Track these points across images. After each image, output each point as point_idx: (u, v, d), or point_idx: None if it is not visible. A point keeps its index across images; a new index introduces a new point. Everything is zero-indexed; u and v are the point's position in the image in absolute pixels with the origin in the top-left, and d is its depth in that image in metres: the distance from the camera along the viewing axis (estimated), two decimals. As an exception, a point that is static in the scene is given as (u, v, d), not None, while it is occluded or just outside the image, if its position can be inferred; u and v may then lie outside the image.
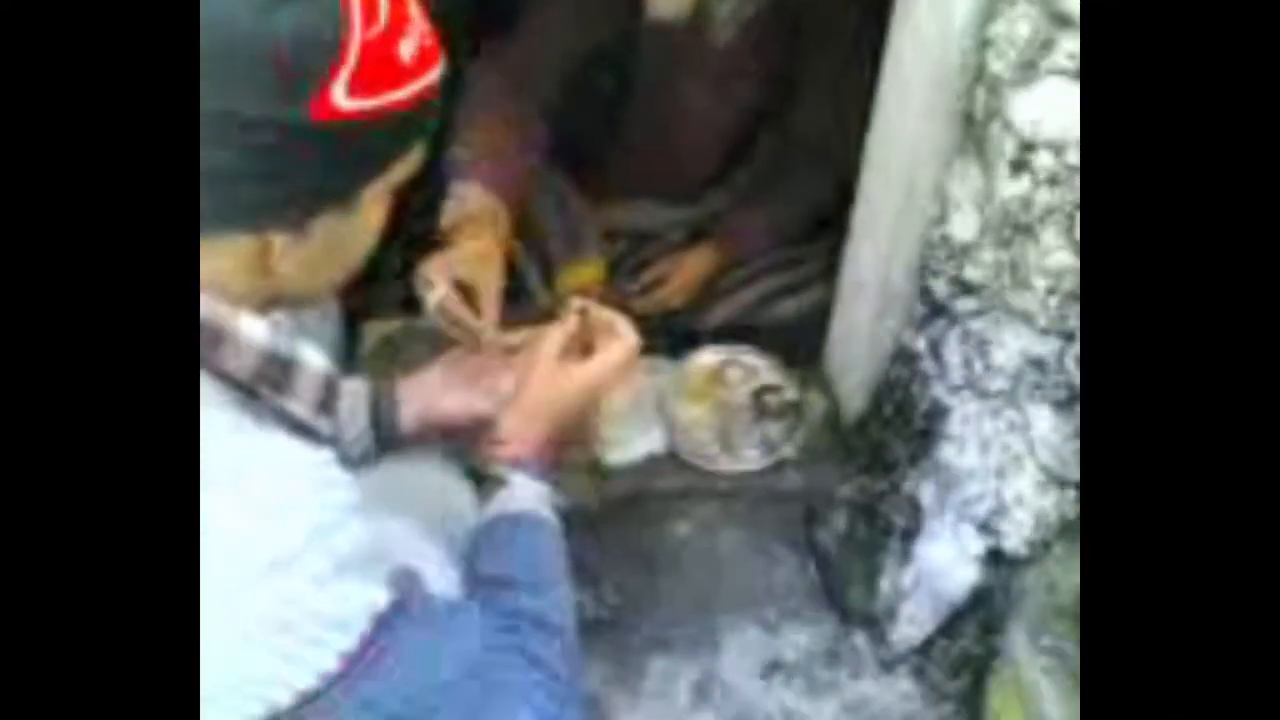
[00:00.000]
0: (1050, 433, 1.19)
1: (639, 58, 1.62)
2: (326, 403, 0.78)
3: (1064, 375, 1.17)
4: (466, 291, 1.20)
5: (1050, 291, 1.13)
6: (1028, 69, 1.07)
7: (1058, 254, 1.11)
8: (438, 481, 1.06)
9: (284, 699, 0.64)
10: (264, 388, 0.73)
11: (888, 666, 1.37)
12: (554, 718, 0.77)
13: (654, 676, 1.37)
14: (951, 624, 1.31)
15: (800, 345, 1.66)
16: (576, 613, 1.36)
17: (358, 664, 0.66)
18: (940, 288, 1.26)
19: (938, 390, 1.30)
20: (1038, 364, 1.19)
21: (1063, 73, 1.04)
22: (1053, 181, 1.08)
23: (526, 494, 0.93)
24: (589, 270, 1.75)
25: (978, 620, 1.29)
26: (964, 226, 1.19)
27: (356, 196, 0.72)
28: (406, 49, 0.68)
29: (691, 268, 1.80)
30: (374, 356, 1.60)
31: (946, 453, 1.29)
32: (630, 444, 1.51)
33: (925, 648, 1.34)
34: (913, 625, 1.33)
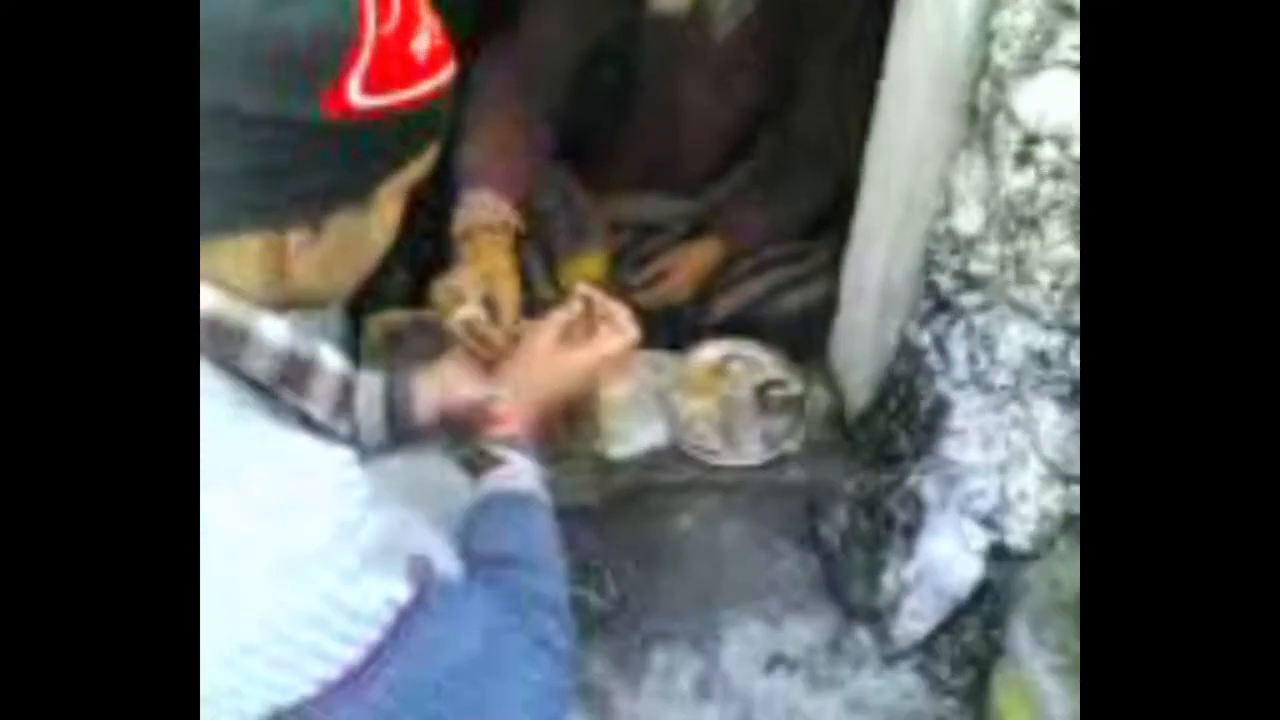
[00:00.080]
0: (1054, 428, 1.19)
1: (641, 51, 1.62)
2: (343, 403, 0.79)
3: (1068, 370, 1.17)
4: (486, 304, 1.22)
5: (1054, 285, 1.13)
6: (1032, 61, 1.06)
7: (1062, 247, 1.10)
8: (437, 470, 1.07)
9: (310, 690, 0.65)
10: (284, 389, 0.73)
11: (890, 661, 1.37)
12: (558, 696, 0.79)
13: (656, 670, 1.37)
14: (954, 619, 1.31)
15: (804, 339, 1.66)
16: (579, 606, 1.38)
17: (380, 654, 0.67)
18: (944, 282, 1.26)
19: (942, 385, 1.30)
20: (1042, 358, 1.18)
21: (1067, 64, 1.03)
22: (1057, 174, 1.07)
23: (521, 472, 0.94)
24: (592, 263, 1.75)
25: (981, 616, 1.29)
26: (968, 220, 1.19)
27: (371, 196, 0.72)
28: (419, 47, 0.68)
29: (695, 261, 1.79)
30: (377, 349, 1.60)
31: (950, 448, 1.29)
32: (633, 437, 1.51)
33: (928, 643, 1.34)
34: (915, 620, 1.33)
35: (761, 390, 1.55)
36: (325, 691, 0.65)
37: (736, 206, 1.81)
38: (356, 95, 0.64)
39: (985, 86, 1.12)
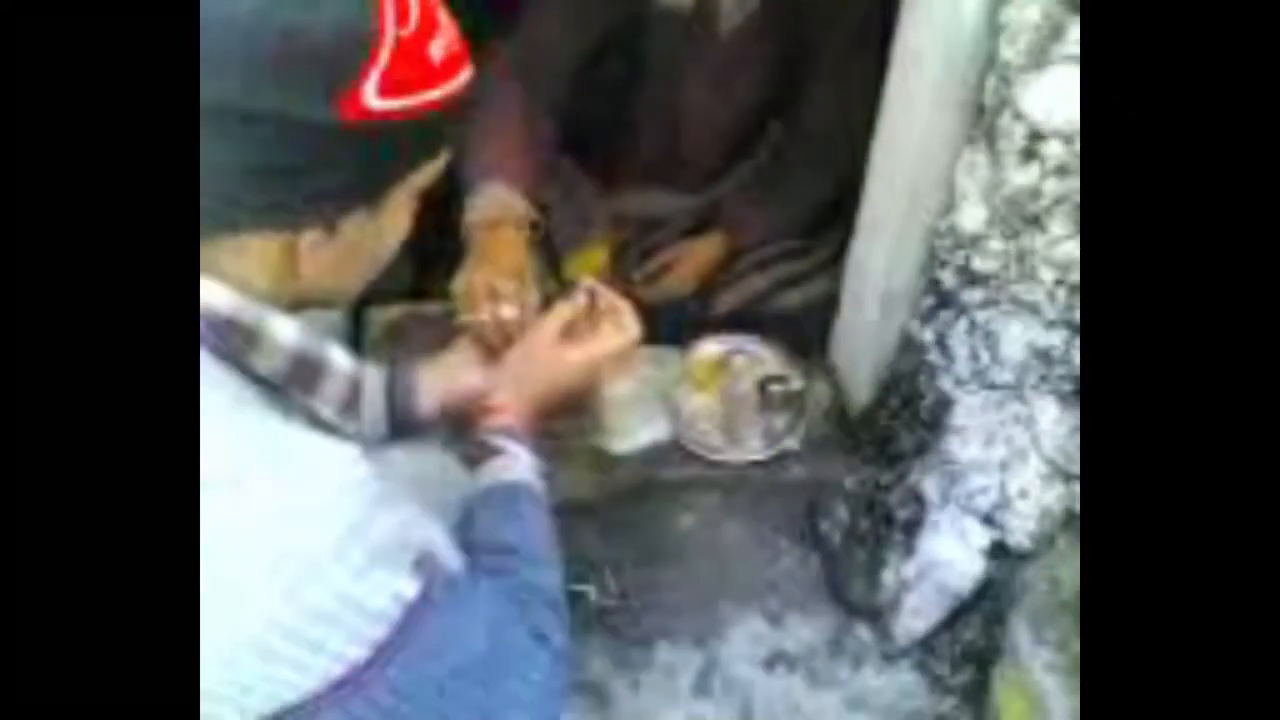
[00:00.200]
0: (1055, 426, 1.19)
1: (646, 46, 1.61)
2: (351, 403, 0.80)
3: (1070, 368, 1.16)
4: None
5: (1058, 283, 1.12)
6: (1038, 56, 1.05)
7: (1066, 244, 1.09)
8: (438, 462, 1.07)
9: (317, 686, 0.65)
10: (293, 388, 0.74)
11: (890, 659, 1.37)
12: (557, 693, 0.79)
13: (657, 667, 1.37)
14: (955, 617, 1.31)
15: (806, 335, 1.65)
16: (579, 602, 1.38)
17: (386, 651, 0.67)
18: (948, 278, 1.25)
19: (944, 382, 1.29)
20: (1044, 356, 1.18)
21: (1073, 60, 1.02)
22: (1062, 171, 1.07)
23: (520, 464, 0.95)
24: (595, 256, 1.75)
25: (981, 614, 1.29)
26: (972, 217, 1.18)
27: (384, 197, 0.73)
28: (437, 51, 0.69)
29: (698, 256, 1.79)
30: (379, 342, 1.60)
31: (951, 445, 1.28)
32: (634, 433, 1.51)
33: (928, 641, 1.34)
34: (916, 618, 1.33)
35: (763, 386, 1.55)
36: (332, 688, 0.65)
37: (740, 202, 1.81)
38: (373, 97, 0.65)
39: (991, 82, 1.11)
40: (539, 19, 1.59)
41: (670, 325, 1.66)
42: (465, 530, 0.89)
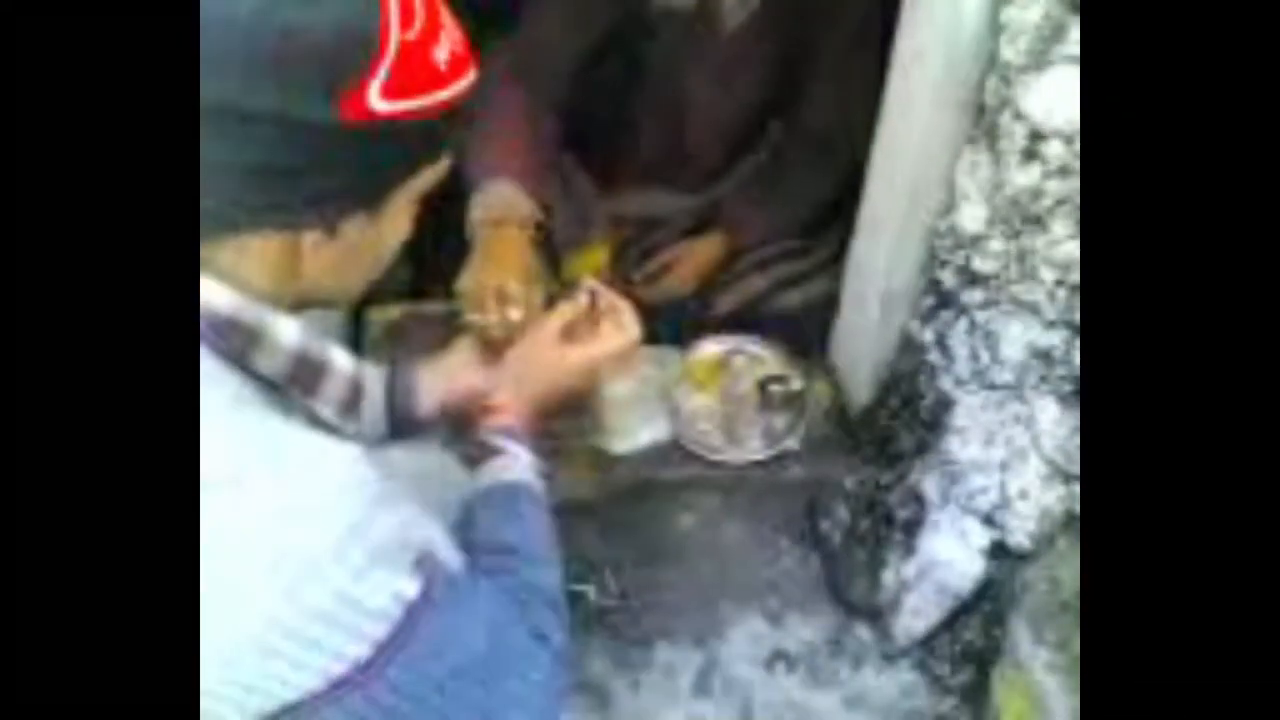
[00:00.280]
0: (1055, 426, 1.19)
1: (648, 44, 1.61)
2: (352, 403, 0.79)
3: (1070, 368, 1.16)
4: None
5: (1058, 283, 1.12)
6: (1039, 56, 1.05)
7: (1066, 245, 1.09)
8: (437, 461, 1.07)
9: (317, 685, 0.65)
10: (294, 388, 0.74)
11: (890, 659, 1.37)
12: (555, 692, 0.79)
13: (657, 666, 1.37)
14: (955, 617, 1.31)
15: (806, 335, 1.65)
16: (580, 602, 1.38)
17: (387, 650, 0.67)
18: (948, 279, 1.25)
19: (944, 382, 1.29)
20: (1044, 356, 1.18)
21: (1074, 60, 1.02)
22: (1063, 171, 1.07)
23: (520, 464, 0.95)
24: (595, 256, 1.74)
25: (981, 614, 1.29)
26: (973, 217, 1.18)
27: (385, 200, 0.73)
28: (441, 55, 0.69)
29: (698, 256, 1.79)
30: (379, 342, 1.60)
31: (951, 445, 1.29)
32: (635, 433, 1.51)
33: (928, 641, 1.34)
34: (916, 618, 1.33)
35: (763, 386, 1.55)
36: (332, 687, 0.65)
37: (740, 202, 1.80)
38: (376, 100, 0.65)
39: (992, 82, 1.11)
40: (539, 18, 1.58)
41: (670, 325, 1.66)
42: (465, 530, 0.89)
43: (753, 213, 1.78)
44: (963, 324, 1.25)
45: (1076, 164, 1.05)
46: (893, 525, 1.36)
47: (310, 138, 0.64)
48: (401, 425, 1.05)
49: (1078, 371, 1.16)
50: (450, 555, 0.78)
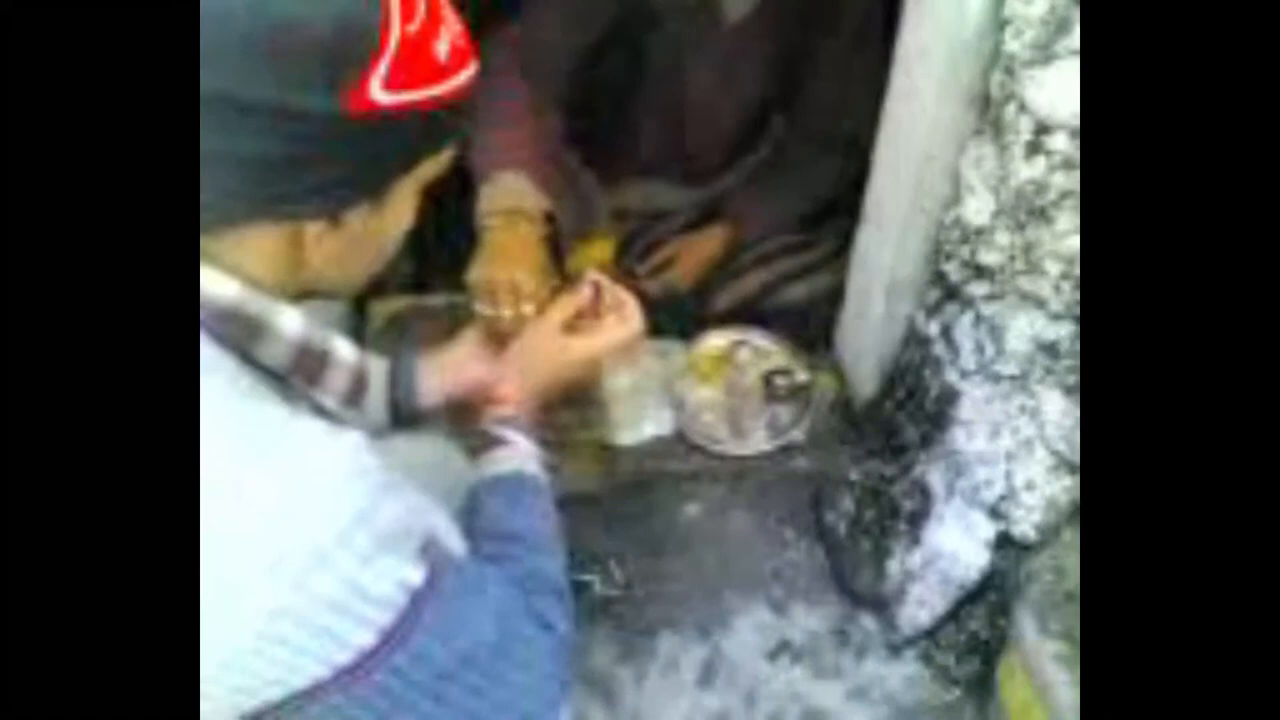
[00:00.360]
0: (1061, 418, 1.19)
1: (650, 38, 1.61)
2: (355, 393, 0.80)
3: (1075, 360, 1.16)
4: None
5: (1064, 276, 1.12)
6: (1044, 49, 1.05)
7: (1072, 238, 1.09)
8: (440, 450, 1.07)
9: (322, 673, 0.65)
10: (298, 378, 0.74)
11: (895, 650, 1.37)
12: (559, 680, 0.79)
13: (661, 657, 1.37)
14: (960, 608, 1.31)
15: (810, 328, 1.65)
16: (584, 593, 1.38)
17: (392, 638, 0.67)
18: (953, 271, 1.25)
19: (949, 374, 1.29)
20: (1050, 349, 1.18)
21: (1079, 53, 1.02)
22: (1068, 164, 1.07)
23: (523, 454, 0.95)
24: (598, 249, 1.74)
25: (987, 605, 1.29)
26: (978, 210, 1.18)
27: (388, 191, 0.73)
28: (442, 47, 0.69)
29: (701, 249, 1.79)
30: (382, 335, 1.61)
31: (957, 437, 1.29)
32: (639, 425, 1.51)
33: (933, 632, 1.34)
34: (921, 609, 1.33)
35: (768, 379, 1.55)
36: (339, 675, 0.66)
37: (744, 196, 1.80)
38: (378, 92, 0.65)
39: (997, 75, 1.11)
40: (541, 11, 1.58)
41: (674, 318, 1.66)
42: (469, 519, 0.89)
43: (756, 206, 1.78)
44: (968, 317, 1.25)
45: (1082, 157, 1.05)
46: (898, 517, 1.36)
47: (313, 128, 0.64)
48: (404, 416, 1.05)
49: (1084, 363, 1.16)
50: (455, 543, 0.79)
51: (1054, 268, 1.12)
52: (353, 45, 0.64)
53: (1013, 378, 1.22)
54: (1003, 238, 1.16)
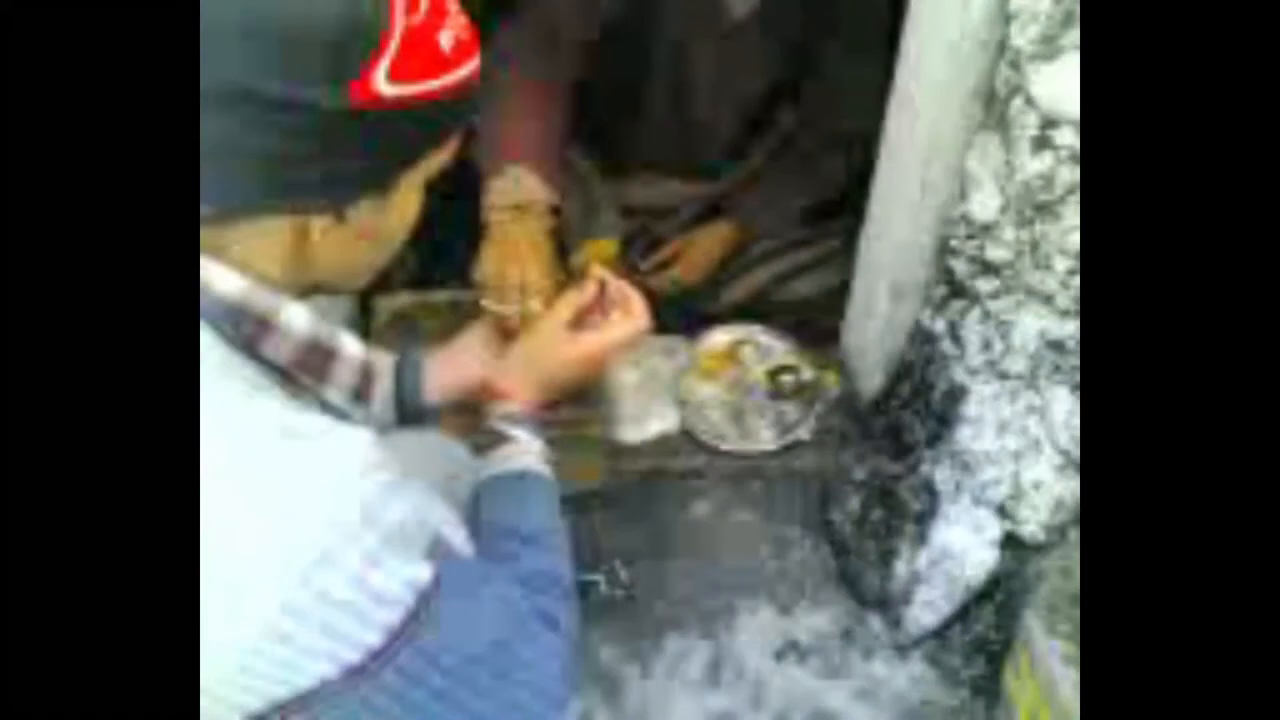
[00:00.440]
0: (1069, 417, 1.18)
1: (656, 33, 1.60)
2: (362, 390, 0.79)
3: (1085, 358, 1.16)
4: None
5: (1071, 271, 1.11)
6: (1050, 43, 1.04)
7: (1079, 233, 1.09)
8: (445, 450, 1.07)
9: (329, 672, 0.65)
10: (304, 374, 0.74)
11: (902, 650, 1.36)
12: (567, 678, 0.79)
13: (666, 656, 1.36)
14: (967, 609, 1.30)
15: (816, 325, 1.65)
16: (589, 592, 1.38)
17: (399, 637, 0.67)
18: (960, 267, 1.24)
19: (956, 372, 1.29)
20: (1058, 346, 1.17)
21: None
22: (1075, 159, 1.06)
23: (529, 451, 0.95)
24: (602, 245, 1.74)
25: (994, 605, 1.28)
26: (984, 205, 1.17)
27: (393, 184, 0.73)
28: (446, 39, 0.69)
29: (706, 245, 1.78)
30: (387, 330, 1.60)
31: (964, 436, 1.28)
32: (644, 423, 1.51)
33: (940, 632, 1.33)
34: (928, 609, 1.32)
35: (773, 376, 1.55)
36: (345, 674, 0.65)
37: (748, 191, 1.80)
38: (383, 84, 0.65)
39: (1003, 69, 1.10)
40: (546, 4, 1.57)
41: (680, 315, 1.66)
42: (475, 516, 0.89)
43: (761, 202, 1.78)
44: (975, 313, 1.25)
45: (1090, 151, 1.04)
46: (904, 516, 1.35)
47: (317, 122, 0.65)
48: (410, 412, 1.05)
49: (1091, 361, 1.15)
50: (461, 541, 0.78)
51: (1061, 263, 1.11)
52: (357, 38, 0.64)
53: (1020, 375, 1.21)
54: (1009, 233, 1.15)
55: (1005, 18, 1.08)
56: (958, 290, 1.26)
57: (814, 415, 1.50)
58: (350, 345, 0.79)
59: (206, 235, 0.67)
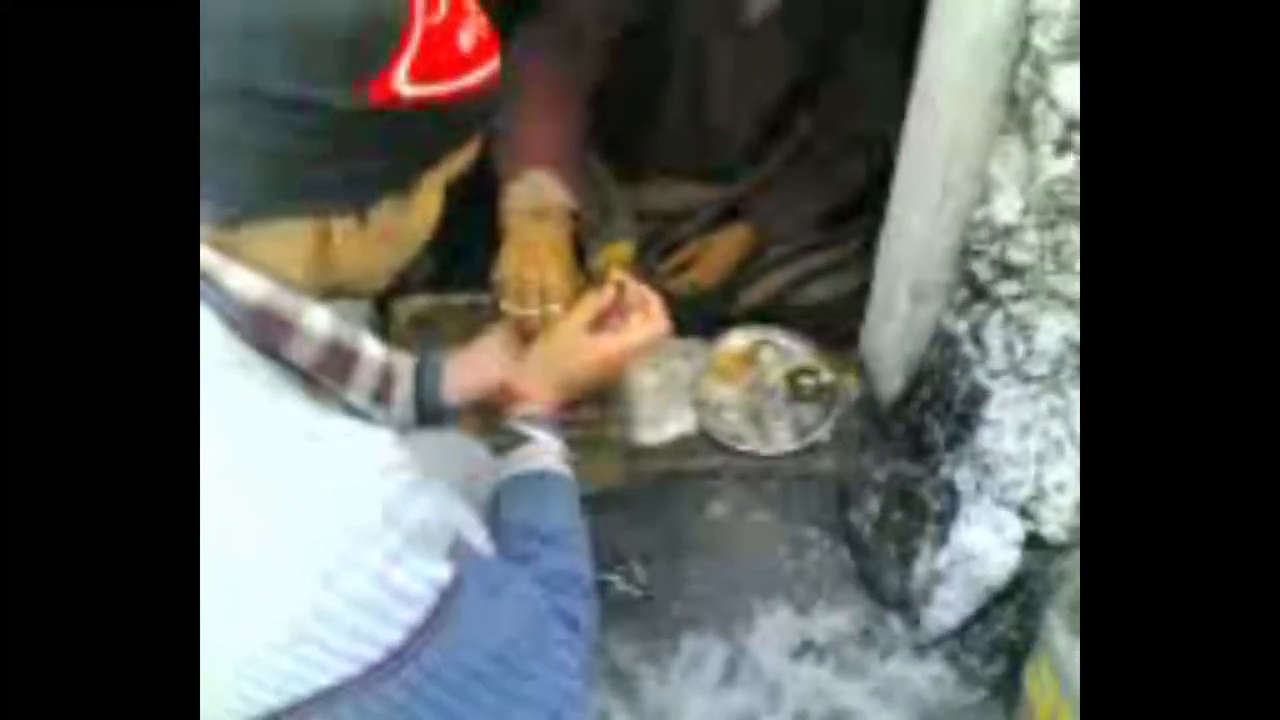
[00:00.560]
0: (1092, 418, 1.18)
1: (673, 35, 1.60)
2: (383, 392, 0.80)
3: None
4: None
5: (1094, 274, 1.11)
6: (1073, 45, 1.04)
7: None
8: (465, 450, 1.08)
9: (351, 671, 0.65)
10: (326, 377, 0.74)
11: (921, 650, 1.36)
12: (584, 677, 0.79)
13: (684, 655, 1.37)
14: (987, 609, 1.30)
15: (835, 327, 1.64)
16: (607, 592, 1.38)
17: (420, 636, 0.67)
18: (982, 270, 1.24)
19: (978, 374, 1.28)
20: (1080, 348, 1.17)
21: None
22: (1099, 161, 1.05)
23: (548, 452, 0.95)
24: (621, 249, 1.74)
25: (1015, 605, 1.28)
26: (1007, 208, 1.17)
27: (414, 186, 0.73)
28: (466, 39, 0.69)
29: (723, 248, 1.78)
30: (405, 333, 1.61)
31: (985, 437, 1.28)
32: (662, 424, 1.51)
33: (959, 632, 1.33)
34: (947, 610, 1.32)
35: (792, 378, 1.55)
36: (365, 672, 0.65)
37: (766, 194, 1.79)
38: (403, 84, 0.65)
39: (1025, 71, 1.10)
40: (566, 5, 1.58)
41: (698, 318, 1.66)
42: (495, 517, 0.89)
43: (779, 205, 1.77)
44: (997, 316, 1.24)
45: (1112, 153, 1.04)
46: (925, 517, 1.35)
47: (336, 122, 0.64)
48: (429, 414, 1.05)
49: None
50: (482, 541, 0.78)
51: (1084, 266, 1.11)
52: (376, 38, 0.64)
53: (1042, 378, 1.21)
54: (1032, 236, 1.15)
55: (1027, 19, 1.08)
56: (979, 293, 1.26)
57: (833, 417, 1.50)
58: (371, 347, 0.79)
59: (227, 238, 0.67)
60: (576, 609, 0.81)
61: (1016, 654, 1.28)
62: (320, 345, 0.73)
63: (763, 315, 1.70)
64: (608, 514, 1.43)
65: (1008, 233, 1.18)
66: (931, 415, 1.38)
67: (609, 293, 1.08)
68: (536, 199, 1.32)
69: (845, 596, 1.43)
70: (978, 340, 1.28)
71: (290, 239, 0.70)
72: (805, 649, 1.38)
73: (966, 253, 1.26)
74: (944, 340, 1.35)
